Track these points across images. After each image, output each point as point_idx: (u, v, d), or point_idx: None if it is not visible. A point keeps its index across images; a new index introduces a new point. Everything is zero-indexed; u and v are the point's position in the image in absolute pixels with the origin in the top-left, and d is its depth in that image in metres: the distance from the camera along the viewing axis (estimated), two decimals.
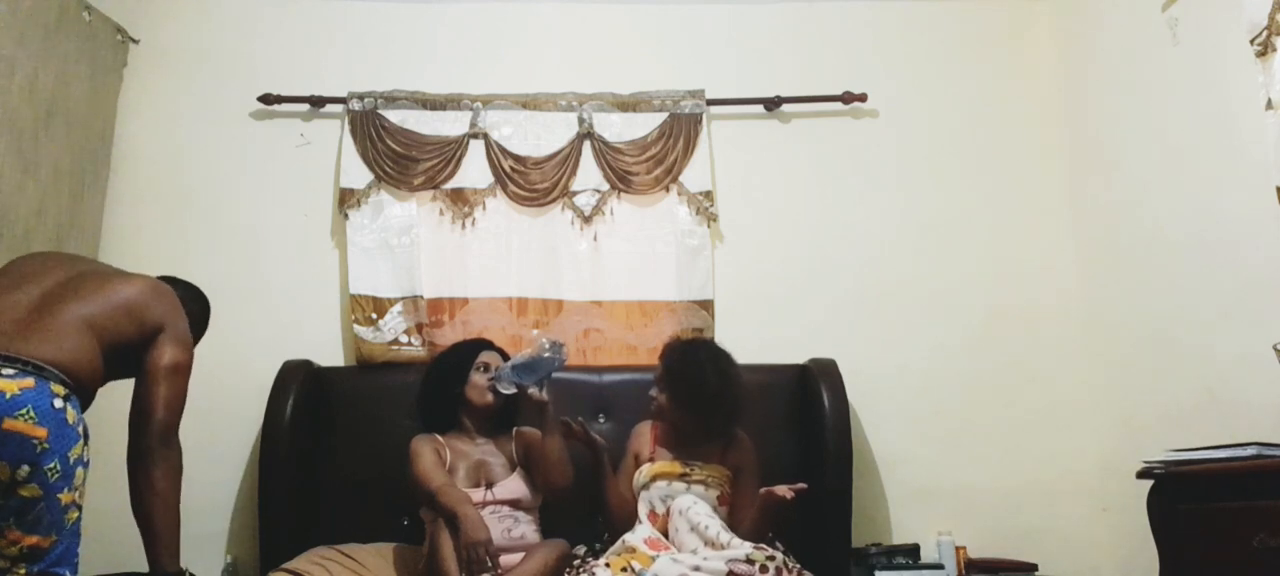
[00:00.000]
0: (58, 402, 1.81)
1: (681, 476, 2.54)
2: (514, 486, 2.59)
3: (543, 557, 2.38)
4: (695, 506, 2.34)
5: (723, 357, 2.67)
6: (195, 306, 2.35)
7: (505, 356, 2.76)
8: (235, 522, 3.03)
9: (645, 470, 2.60)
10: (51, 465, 1.78)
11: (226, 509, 3.04)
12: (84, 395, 1.93)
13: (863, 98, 3.36)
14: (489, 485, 2.57)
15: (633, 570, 2.25)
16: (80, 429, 1.87)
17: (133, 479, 1.96)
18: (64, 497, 1.82)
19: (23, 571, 1.77)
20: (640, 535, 2.38)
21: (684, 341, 2.89)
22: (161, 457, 1.98)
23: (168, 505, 1.98)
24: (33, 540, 1.77)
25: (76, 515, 1.86)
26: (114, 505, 2.95)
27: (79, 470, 1.86)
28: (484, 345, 2.79)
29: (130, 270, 2.23)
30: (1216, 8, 2.53)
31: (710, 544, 2.24)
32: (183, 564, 2.87)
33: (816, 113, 3.40)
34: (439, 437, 2.65)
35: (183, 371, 2.06)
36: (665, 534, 2.40)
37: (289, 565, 2.47)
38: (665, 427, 2.68)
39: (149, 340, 2.03)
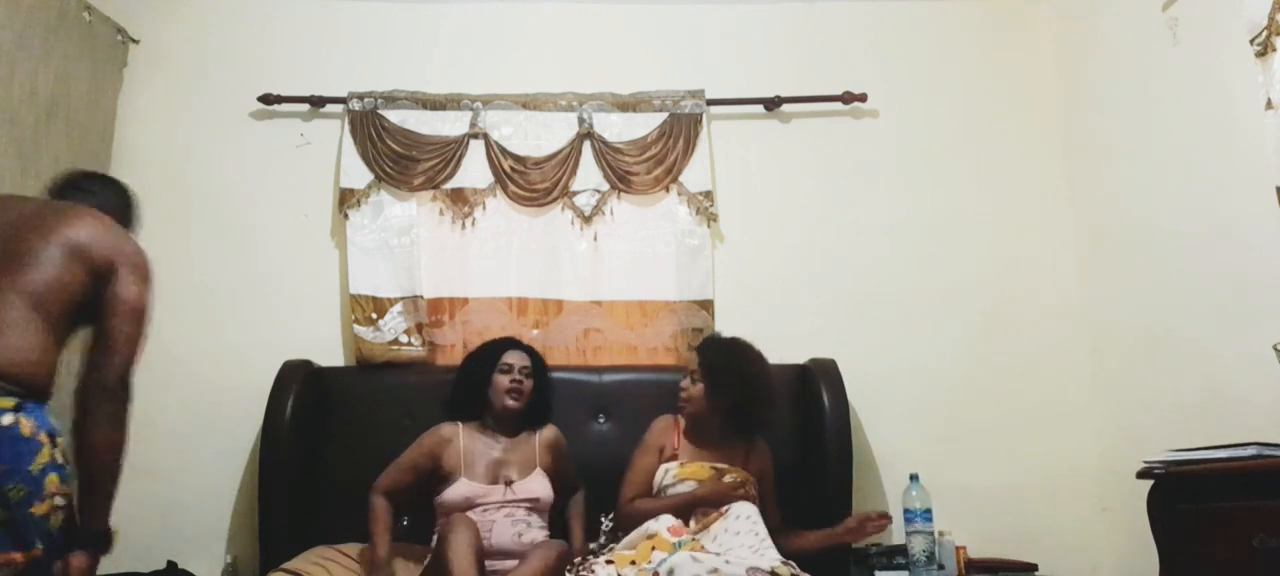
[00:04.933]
0: (7, 419, 1.67)
1: (695, 476, 2.54)
2: (533, 486, 2.58)
3: (542, 557, 2.37)
4: (756, 515, 2.31)
5: (761, 356, 2.68)
6: (124, 204, 2.15)
7: (532, 355, 2.76)
8: (235, 522, 3.03)
9: (672, 470, 2.57)
10: (12, 487, 1.66)
11: (226, 509, 3.04)
12: (41, 391, 1.78)
13: (863, 98, 3.36)
14: (507, 483, 2.57)
15: (633, 565, 2.23)
16: (41, 436, 1.72)
17: (81, 418, 1.78)
18: (39, 510, 1.70)
19: None
20: (664, 523, 2.33)
21: (721, 337, 2.86)
22: (120, 405, 1.81)
23: (115, 458, 1.81)
24: (20, 556, 1.68)
25: (62, 517, 1.75)
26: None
27: (50, 477, 1.72)
28: (510, 345, 2.78)
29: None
30: (1216, 8, 2.53)
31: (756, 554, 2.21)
32: (182, 562, 2.90)
33: (816, 113, 3.40)
34: (460, 426, 2.65)
35: (144, 309, 1.89)
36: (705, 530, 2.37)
37: (289, 565, 2.46)
38: (690, 424, 2.67)
39: (104, 277, 1.86)
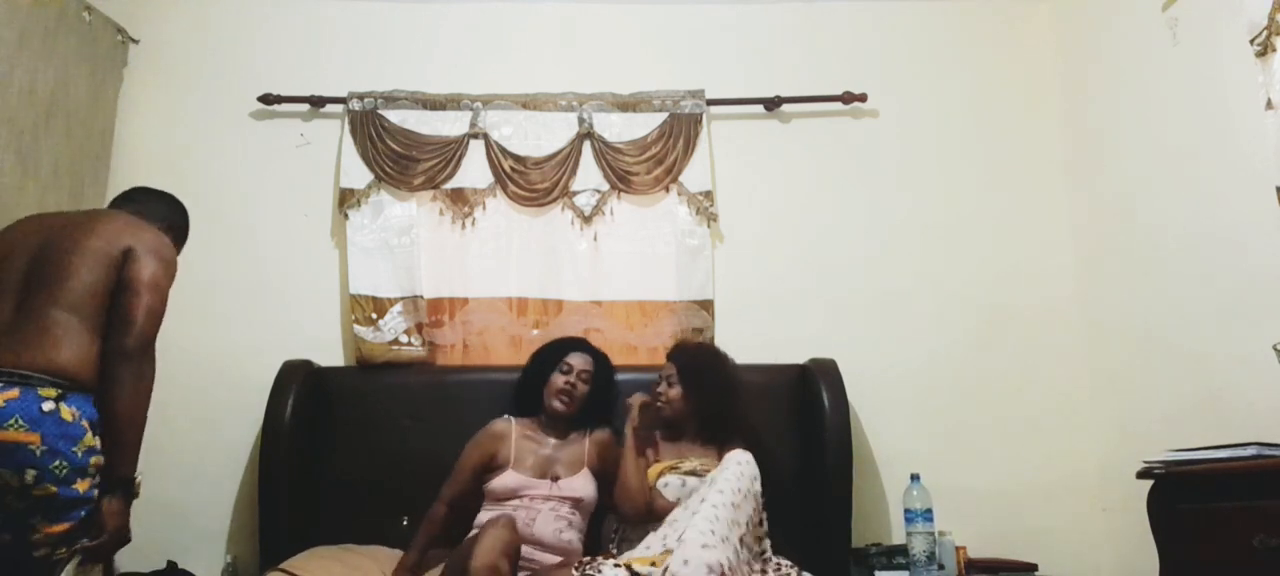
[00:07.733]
0: (48, 405, 1.87)
1: (672, 469, 2.57)
2: (578, 485, 2.60)
3: None
4: (731, 488, 2.28)
5: (731, 360, 2.77)
6: (175, 218, 2.40)
7: (598, 361, 2.78)
8: (235, 522, 3.03)
9: (650, 473, 2.59)
10: (56, 464, 1.86)
11: (226, 509, 3.04)
12: (83, 384, 1.96)
13: (863, 98, 3.36)
14: (554, 478, 2.59)
15: (631, 571, 2.23)
16: (83, 422, 1.92)
17: (106, 382, 1.97)
18: (82, 486, 1.90)
19: (63, 551, 1.90)
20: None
21: (695, 343, 2.96)
22: (139, 366, 1.99)
23: (136, 413, 1.99)
24: (61, 527, 1.88)
25: (99, 477, 1.95)
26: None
27: (94, 458, 1.93)
28: (576, 346, 2.80)
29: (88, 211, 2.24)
30: (1216, 8, 2.53)
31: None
32: (182, 562, 2.90)
33: (816, 113, 3.40)
34: (513, 421, 2.69)
35: (161, 284, 2.08)
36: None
37: (288, 564, 2.46)
38: (663, 429, 2.71)
39: (122, 265, 2.05)
